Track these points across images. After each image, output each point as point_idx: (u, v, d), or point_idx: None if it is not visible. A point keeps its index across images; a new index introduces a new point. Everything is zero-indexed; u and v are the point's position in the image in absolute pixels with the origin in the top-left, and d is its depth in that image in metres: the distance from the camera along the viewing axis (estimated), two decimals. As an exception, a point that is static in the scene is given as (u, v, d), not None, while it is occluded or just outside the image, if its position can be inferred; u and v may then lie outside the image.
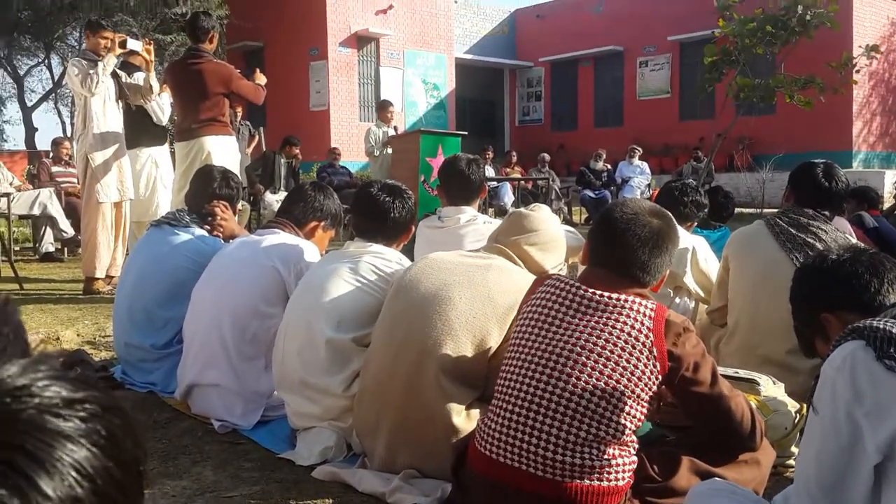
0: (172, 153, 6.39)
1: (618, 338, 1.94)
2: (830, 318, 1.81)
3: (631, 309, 1.97)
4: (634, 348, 1.93)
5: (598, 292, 2.01)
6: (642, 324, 1.95)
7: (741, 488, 1.91)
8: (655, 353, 1.93)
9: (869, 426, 1.49)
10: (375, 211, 2.91)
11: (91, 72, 5.77)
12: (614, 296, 1.99)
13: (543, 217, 2.73)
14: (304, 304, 2.85)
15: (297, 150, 11.46)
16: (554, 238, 2.74)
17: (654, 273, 2.06)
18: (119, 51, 5.92)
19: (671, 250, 2.09)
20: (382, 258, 2.86)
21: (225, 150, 5.75)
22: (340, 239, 10.71)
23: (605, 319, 1.97)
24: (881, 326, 1.55)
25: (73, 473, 0.52)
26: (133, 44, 6.00)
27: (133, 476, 0.57)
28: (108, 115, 5.99)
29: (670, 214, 2.19)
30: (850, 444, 1.51)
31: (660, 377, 1.95)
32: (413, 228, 3.07)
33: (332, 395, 2.75)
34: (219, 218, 3.79)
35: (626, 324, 1.95)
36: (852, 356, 1.54)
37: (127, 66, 6.27)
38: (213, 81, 5.65)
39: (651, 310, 1.97)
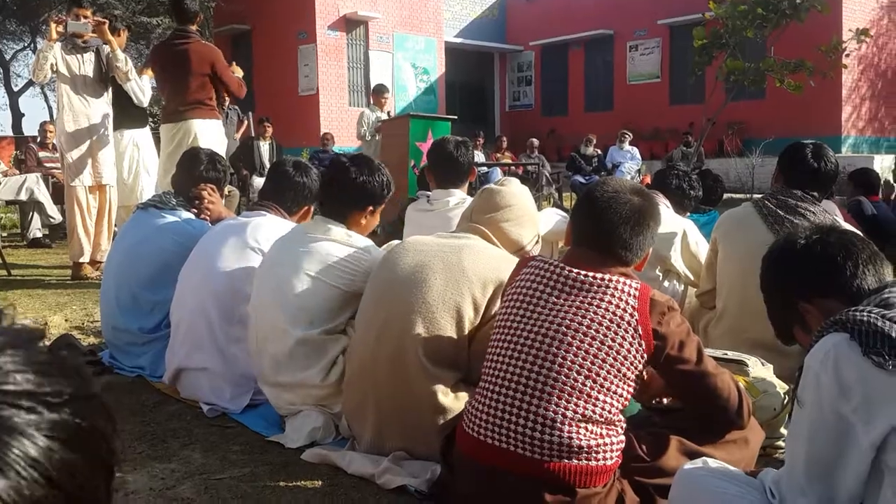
0: (157, 137, 6.31)
1: (602, 317, 1.94)
2: (808, 307, 1.74)
3: (615, 288, 1.97)
4: (619, 327, 1.93)
5: (583, 272, 2.01)
6: (627, 303, 1.95)
7: (730, 468, 1.91)
8: (641, 332, 1.93)
9: (860, 422, 1.47)
10: (350, 185, 2.81)
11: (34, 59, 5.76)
12: (598, 275, 2.00)
13: (515, 191, 2.68)
14: (272, 304, 2.79)
15: (271, 129, 11.64)
16: (527, 211, 2.70)
17: (636, 251, 2.06)
18: (55, 36, 5.77)
19: (653, 228, 2.10)
20: (346, 247, 2.79)
21: (212, 134, 5.70)
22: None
23: (589, 299, 1.97)
24: (865, 319, 1.50)
25: (25, 469, 0.49)
26: (74, 26, 5.78)
27: (102, 469, 0.55)
28: (81, 100, 5.92)
29: (650, 192, 2.21)
30: (839, 437, 1.50)
31: (645, 356, 1.95)
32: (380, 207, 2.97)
33: (310, 387, 2.76)
34: (206, 201, 3.75)
35: (611, 303, 1.95)
36: (836, 350, 1.51)
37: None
38: (198, 61, 5.60)
39: (635, 289, 1.97)
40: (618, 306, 1.94)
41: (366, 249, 2.81)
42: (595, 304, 1.95)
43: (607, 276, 1.99)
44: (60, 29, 5.78)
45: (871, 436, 1.47)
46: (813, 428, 1.55)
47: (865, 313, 1.52)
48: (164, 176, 5.63)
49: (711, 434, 2.10)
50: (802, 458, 1.58)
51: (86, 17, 5.85)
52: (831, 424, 1.51)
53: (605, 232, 2.04)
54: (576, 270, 2.02)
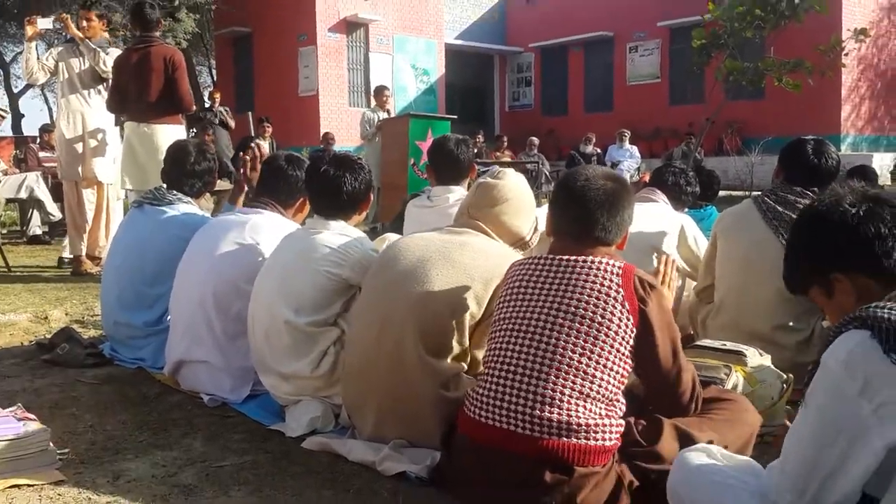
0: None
1: (589, 296, 2.00)
2: (842, 279, 1.63)
3: (598, 268, 2.04)
4: (607, 304, 1.99)
5: (566, 257, 2.09)
6: (611, 281, 2.02)
7: (731, 455, 1.89)
8: (628, 307, 1.99)
9: (877, 422, 1.43)
10: (328, 187, 2.88)
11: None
12: (581, 258, 2.07)
13: (511, 185, 2.64)
14: (266, 290, 2.86)
15: (271, 129, 11.82)
16: (525, 202, 2.68)
17: (615, 232, 2.14)
18: (29, 32, 5.97)
19: (628, 209, 2.17)
20: (340, 236, 2.83)
21: (173, 139, 5.76)
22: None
23: (574, 280, 2.04)
24: (886, 316, 1.46)
25: None
26: (43, 22, 6.07)
27: None
28: (79, 98, 6.05)
29: (621, 175, 2.29)
30: (848, 438, 1.46)
31: (635, 330, 2.00)
32: (371, 197, 3.04)
33: (303, 378, 2.78)
34: (250, 164, 3.79)
35: (596, 282, 2.02)
36: (858, 349, 1.46)
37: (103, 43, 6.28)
38: (157, 64, 5.66)
39: (619, 267, 2.05)
40: (602, 284, 2.01)
41: (357, 240, 2.85)
42: (580, 284, 2.02)
43: (590, 259, 2.06)
44: (36, 28, 6.00)
45: (887, 437, 1.43)
46: (822, 426, 1.50)
47: (887, 310, 1.47)
48: (127, 168, 5.75)
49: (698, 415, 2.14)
50: (802, 453, 1.54)
51: (89, 20, 6.00)
52: (844, 425, 1.47)
53: (582, 219, 2.12)
54: (559, 257, 2.10)
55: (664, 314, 2.05)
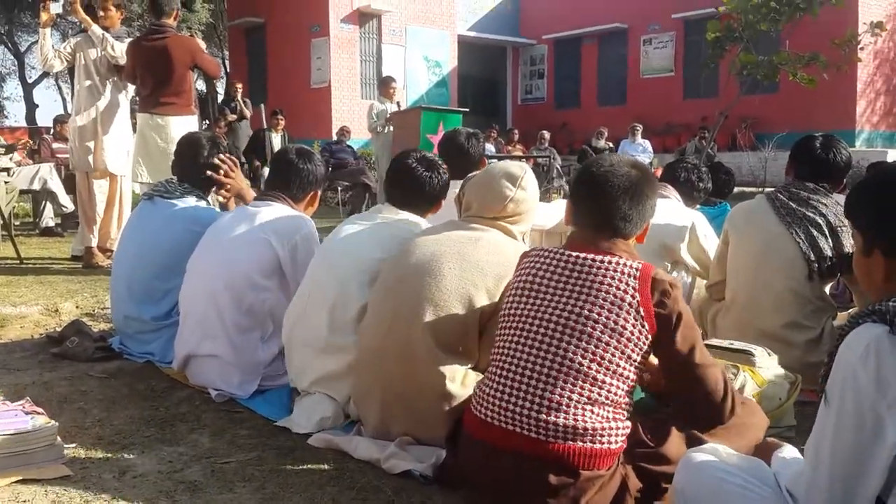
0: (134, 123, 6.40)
1: (604, 300, 1.95)
2: (879, 257, 1.58)
3: (615, 271, 1.98)
4: (622, 309, 1.94)
5: (582, 255, 2.04)
6: (627, 284, 1.96)
7: (739, 455, 1.88)
8: (643, 314, 1.94)
9: (893, 419, 1.43)
10: (411, 183, 2.92)
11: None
12: (598, 257, 2.02)
13: (530, 194, 2.60)
14: (332, 264, 2.84)
15: (283, 121, 11.85)
16: (535, 203, 2.69)
17: (636, 222, 2.09)
18: (44, 18, 5.98)
19: (651, 198, 2.12)
20: (407, 223, 2.84)
21: (187, 131, 5.76)
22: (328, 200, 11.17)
23: (590, 281, 1.98)
24: None
25: None
26: (55, 7, 6.06)
27: None
28: (93, 88, 6.06)
29: (646, 166, 2.22)
30: (869, 434, 1.45)
31: (650, 336, 1.96)
32: (443, 202, 3.06)
33: (353, 350, 2.72)
34: (224, 172, 3.76)
35: (612, 285, 1.96)
36: (877, 344, 1.45)
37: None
38: (178, 55, 5.66)
39: (636, 269, 1.98)
40: (618, 288, 1.96)
41: (416, 224, 2.86)
42: (596, 286, 1.97)
43: (607, 258, 2.01)
44: (50, 13, 5.97)
45: None
46: (842, 425, 1.49)
47: None
48: (143, 162, 5.76)
49: (698, 426, 2.08)
50: (828, 455, 1.52)
51: (106, 10, 6.04)
52: (864, 421, 1.46)
53: (603, 206, 2.07)
54: (575, 254, 2.05)
55: (683, 310, 2.00)
